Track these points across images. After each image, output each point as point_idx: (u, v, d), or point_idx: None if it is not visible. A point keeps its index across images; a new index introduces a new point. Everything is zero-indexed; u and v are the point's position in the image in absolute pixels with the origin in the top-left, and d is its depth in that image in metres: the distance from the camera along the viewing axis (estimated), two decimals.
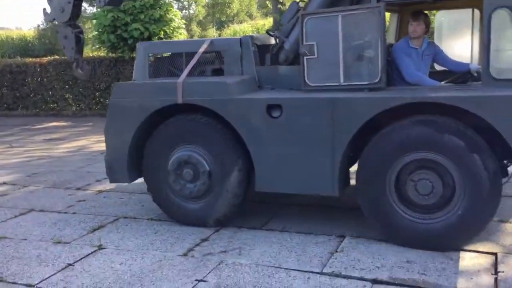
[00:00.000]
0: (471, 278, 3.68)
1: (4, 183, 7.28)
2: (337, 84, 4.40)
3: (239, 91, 4.67)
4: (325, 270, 3.91)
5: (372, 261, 4.03)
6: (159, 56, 5.47)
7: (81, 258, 4.40)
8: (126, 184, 5.93)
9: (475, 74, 4.76)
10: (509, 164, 4.61)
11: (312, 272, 3.90)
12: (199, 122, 4.84)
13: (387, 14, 5.92)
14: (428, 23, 4.94)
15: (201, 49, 5.05)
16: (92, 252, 4.52)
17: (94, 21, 14.74)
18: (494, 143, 4.04)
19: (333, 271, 3.88)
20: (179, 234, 4.86)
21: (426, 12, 5.11)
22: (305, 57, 4.47)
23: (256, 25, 26.26)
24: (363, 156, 4.30)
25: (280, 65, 4.98)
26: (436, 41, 5.71)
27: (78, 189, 6.80)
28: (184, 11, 42.58)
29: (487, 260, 3.97)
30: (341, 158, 4.31)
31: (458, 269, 3.83)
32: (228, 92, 4.64)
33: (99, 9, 14.65)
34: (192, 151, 4.87)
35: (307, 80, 4.51)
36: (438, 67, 5.49)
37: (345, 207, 5.29)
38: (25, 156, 9.60)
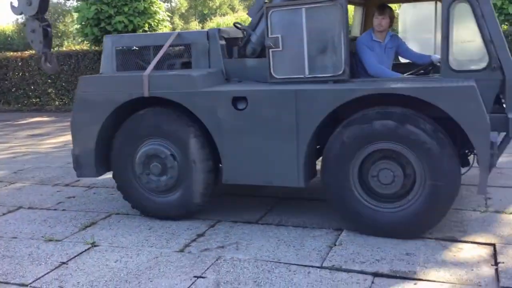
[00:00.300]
0: (472, 270, 3.67)
1: None
2: (302, 76, 4.48)
3: (205, 84, 4.70)
4: (325, 264, 3.87)
5: (372, 254, 4.00)
6: (126, 49, 5.44)
7: (75, 256, 4.31)
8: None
9: (438, 65, 4.80)
10: (469, 153, 4.71)
11: (312, 266, 3.86)
12: (165, 115, 4.85)
13: (352, 8, 5.97)
14: (392, 17, 5.06)
15: (168, 42, 5.07)
16: (85, 250, 4.42)
17: (76, 14, 14.48)
18: (456, 134, 4.15)
19: (333, 265, 3.85)
20: (174, 229, 4.79)
21: (390, 5, 5.18)
22: (270, 50, 4.52)
23: (239, 18, 26.08)
24: (327, 148, 4.37)
25: (248, 58, 5.00)
26: (400, 34, 5.83)
27: (67, 185, 6.67)
28: (166, 4, 42.19)
29: (486, 251, 3.97)
30: (306, 149, 4.38)
31: (458, 260, 3.83)
32: (194, 85, 4.67)
33: (80, 2, 14.43)
34: (158, 145, 4.88)
35: (273, 73, 4.57)
36: (402, 60, 5.61)
37: None
38: (10, 152, 9.41)
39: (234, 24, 5.33)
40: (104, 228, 4.94)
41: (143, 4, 13.88)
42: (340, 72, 4.34)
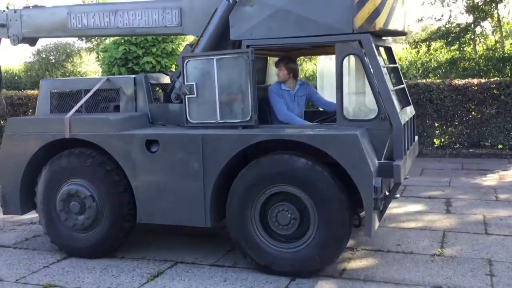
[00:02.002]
0: None
1: (32, 223, 6.76)
2: (215, 121, 4.80)
3: (122, 127, 4.99)
4: None
5: None
6: (61, 92, 5.72)
7: None
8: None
9: None
10: None
11: None
12: (85, 156, 5.09)
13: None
14: (290, 68, 5.43)
15: (96, 87, 5.41)
16: None
17: (103, 54, 14.40)
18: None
19: None
20: (252, 282, 4.45)
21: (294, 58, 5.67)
22: (186, 96, 4.85)
23: None
24: (231, 190, 4.60)
25: (171, 103, 5.27)
26: (318, 83, 6.46)
27: None
28: None
29: None
30: (212, 191, 4.63)
31: None
32: (111, 128, 4.96)
33: (107, 41, 14.41)
34: (78, 185, 5.10)
35: (188, 118, 4.90)
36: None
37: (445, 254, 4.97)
38: None
39: (161, 70, 5.70)
40: (174, 279, 4.60)
41: (171, 46, 13.81)
42: (248, 118, 4.67)
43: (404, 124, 4.55)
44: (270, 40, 4.77)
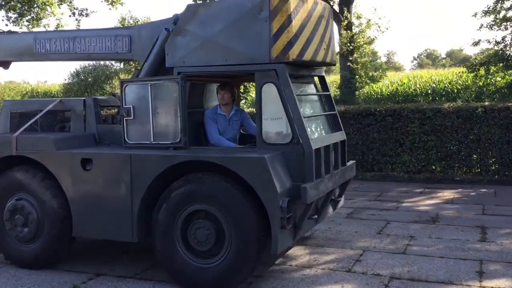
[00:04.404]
0: None
1: None
2: (149, 142, 5.10)
3: (62, 146, 5.31)
4: None
5: None
6: (20, 112, 6.07)
7: None
8: None
9: None
10: None
11: None
12: (30, 173, 5.40)
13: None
14: (234, 93, 5.79)
15: (47, 108, 5.78)
16: None
17: None
18: None
19: None
20: None
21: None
22: (124, 118, 5.14)
23: None
24: (156, 207, 4.83)
25: (116, 124, 5.68)
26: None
27: None
28: None
29: None
30: (139, 208, 4.88)
31: None
32: (51, 146, 5.30)
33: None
34: (23, 199, 5.39)
35: (126, 139, 5.21)
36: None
37: None
38: None
39: (111, 93, 5.88)
40: None
41: None
42: (178, 140, 4.96)
43: (319, 149, 4.78)
44: (199, 68, 5.05)
